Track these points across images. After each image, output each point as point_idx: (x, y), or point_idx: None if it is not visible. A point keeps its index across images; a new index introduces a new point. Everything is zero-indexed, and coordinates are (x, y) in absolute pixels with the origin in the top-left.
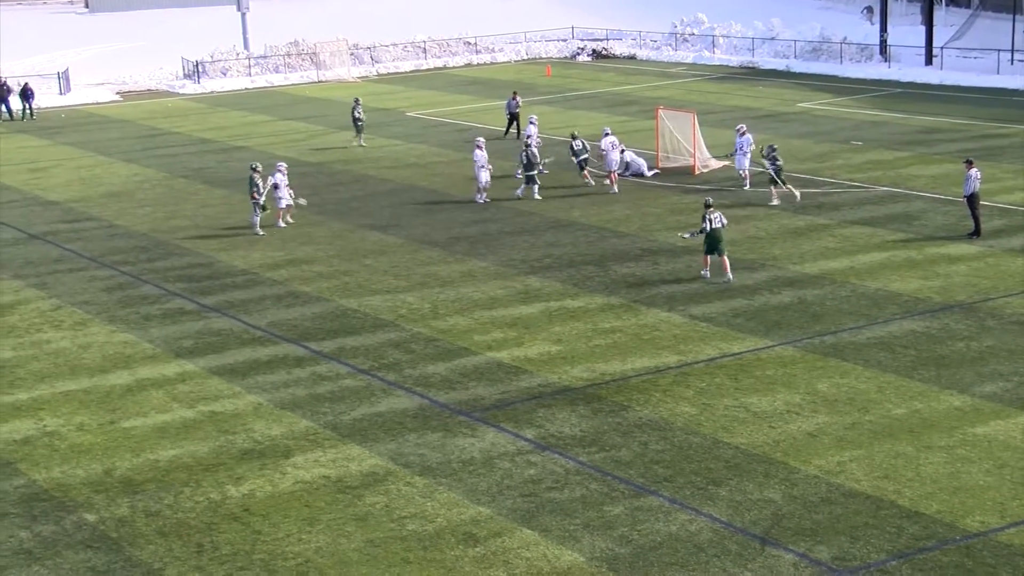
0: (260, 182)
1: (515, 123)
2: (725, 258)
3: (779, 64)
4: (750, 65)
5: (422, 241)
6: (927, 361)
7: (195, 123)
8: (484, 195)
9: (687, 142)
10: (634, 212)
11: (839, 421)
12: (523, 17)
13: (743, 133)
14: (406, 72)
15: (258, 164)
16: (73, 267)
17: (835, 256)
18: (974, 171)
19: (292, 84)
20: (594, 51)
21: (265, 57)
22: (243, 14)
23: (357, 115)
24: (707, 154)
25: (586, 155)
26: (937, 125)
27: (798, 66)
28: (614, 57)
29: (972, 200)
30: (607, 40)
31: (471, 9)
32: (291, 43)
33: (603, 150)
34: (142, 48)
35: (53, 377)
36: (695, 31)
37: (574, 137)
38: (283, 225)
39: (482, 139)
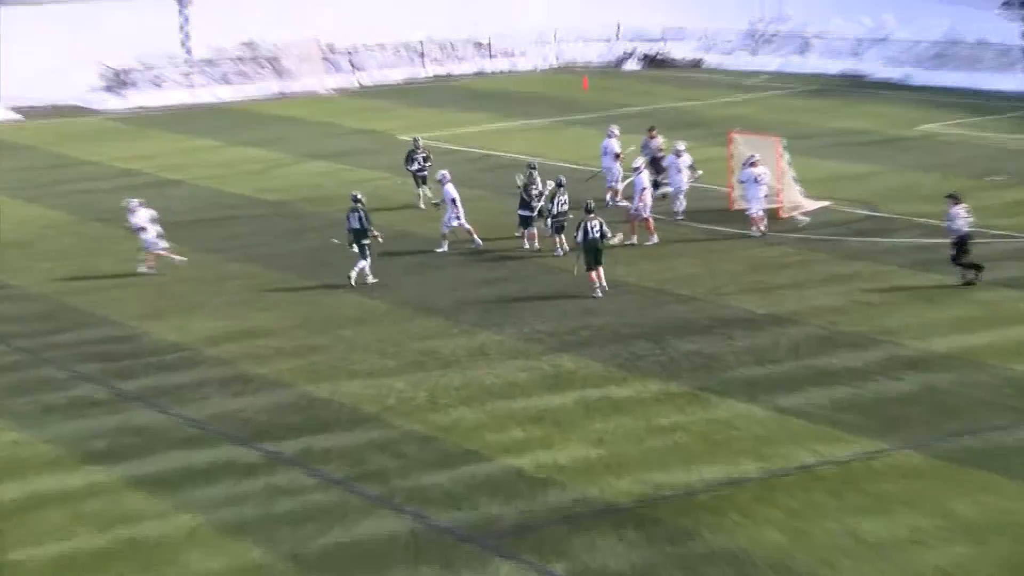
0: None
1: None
2: (600, 270)
3: (893, 73)
4: (854, 74)
5: (417, 306)
6: None
7: (117, 150)
8: (445, 243)
9: (771, 176)
10: (701, 269)
11: (984, 554)
12: (552, 11)
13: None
14: (398, 83)
15: (360, 194)
16: None
17: (974, 328)
18: None
19: (246, 99)
20: (646, 56)
21: (211, 63)
22: (183, 7)
23: (419, 161)
24: (797, 193)
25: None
26: None
27: (919, 75)
28: (673, 64)
29: None
30: (663, 41)
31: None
32: (246, 44)
33: (664, 165)
34: (48, 51)
35: None
36: (780, 29)
37: (532, 168)
38: (147, 271)
39: (445, 172)
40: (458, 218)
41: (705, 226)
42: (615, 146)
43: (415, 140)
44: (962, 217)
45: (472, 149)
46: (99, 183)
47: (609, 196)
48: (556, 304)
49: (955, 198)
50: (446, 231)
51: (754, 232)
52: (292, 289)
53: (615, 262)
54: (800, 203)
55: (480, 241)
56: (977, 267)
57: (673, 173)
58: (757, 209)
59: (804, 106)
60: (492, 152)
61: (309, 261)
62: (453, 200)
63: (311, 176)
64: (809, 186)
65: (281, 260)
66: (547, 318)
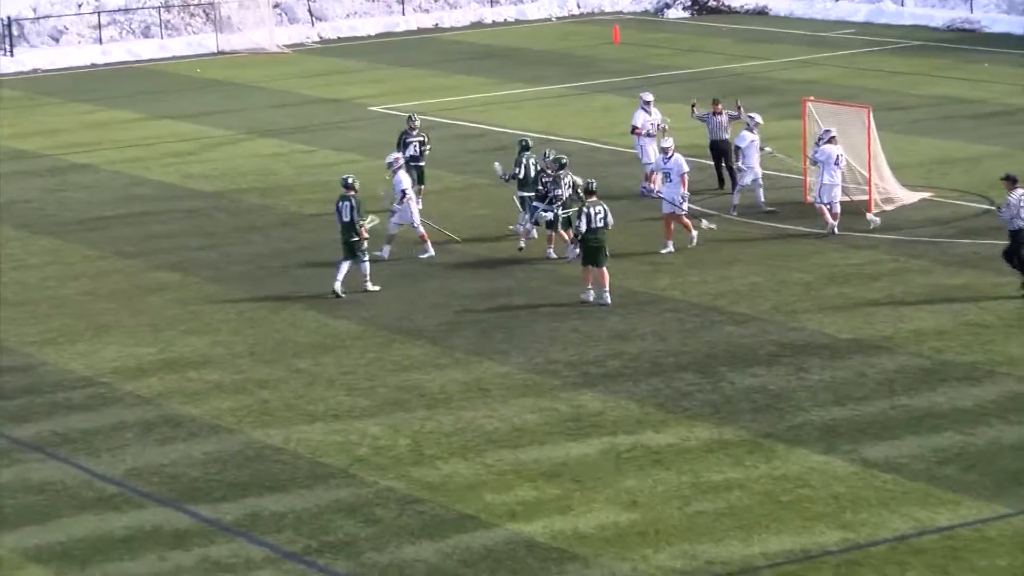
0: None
1: (723, 159)
2: (605, 270)
3: (1017, 26)
4: (965, 26)
5: (396, 328)
6: None
7: (5, 125)
8: (387, 249)
9: (858, 159)
10: (765, 279)
11: None
12: None
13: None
14: (369, 37)
15: (353, 179)
16: None
17: None
18: None
19: (173, 57)
20: (695, 1)
21: (128, 11)
22: None
23: (415, 147)
24: (892, 181)
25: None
26: None
27: None
28: (729, 11)
29: None
30: None
31: None
32: None
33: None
34: None
35: None
36: None
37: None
38: (426, 255)
39: (398, 156)
40: (410, 217)
41: (768, 223)
42: (651, 117)
43: (410, 119)
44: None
45: (466, 123)
46: None
47: (646, 184)
48: (576, 325)
49: (1012, 181)
50: (393, 231)
51: (828, 230)
52: (234, 304)
53: (655, 271)
54: (894, 193)
55: (432, 251)
56: None
57: (751, 154)
58: (830, 199)
59: (901, 67)
60: (492, 127)
61: (256, 269)
62: (403, 192)
63: (258, 159)
64: (906, 172)
65: (219, 268)
66: (565, 343)
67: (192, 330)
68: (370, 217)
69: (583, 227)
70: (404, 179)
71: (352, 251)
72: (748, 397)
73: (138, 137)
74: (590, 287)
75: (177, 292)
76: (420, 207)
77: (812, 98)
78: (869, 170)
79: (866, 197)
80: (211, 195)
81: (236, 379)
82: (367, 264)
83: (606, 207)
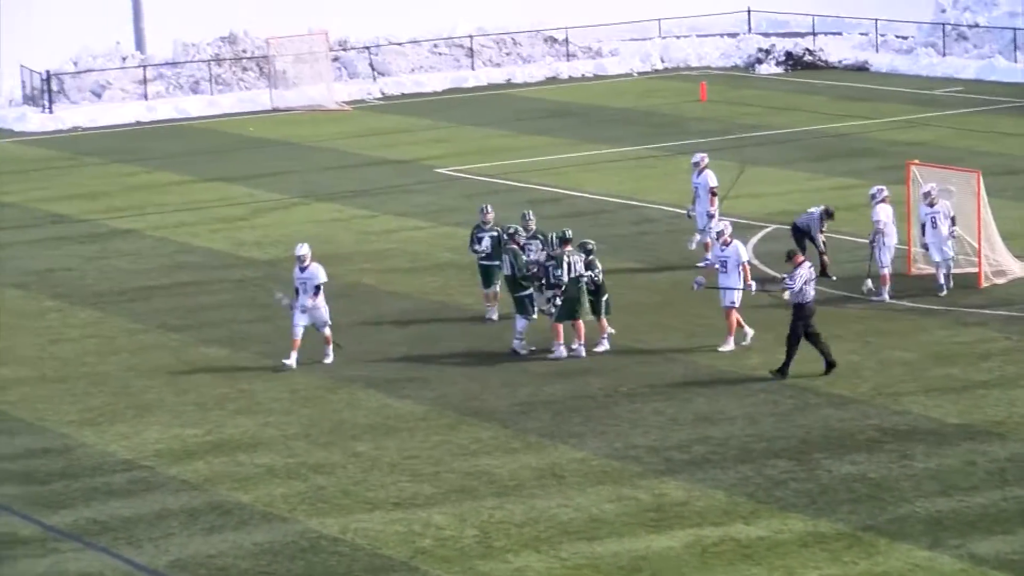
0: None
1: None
2: (581, 323)
3: None
4: None
5: (463, 408)
6: None
7: (42, 186)
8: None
9: (967, 228)
10: (866, 357)
11: None
12: None
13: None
14: (435, 93)
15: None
16: None
17: None
18: None
19: (224, 115)
20: (790, 55)
21: (175, 65)
22: None
23: (487, 241)
24: (1004, 252)
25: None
26: None
27: None
28: (827, 66)
29: None
30: (814, 35)
31: None
32: (222, 39)
33: (879, 225)
34: None
35: None
36: (981, 20)
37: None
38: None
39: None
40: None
41: (869, 297)
42: (711, 179)
43: (483, 210)
44: None
45: (540, 186)
46: (17, 234)
47: (698, 244)
48: (658, 407)
49: (791, 255)
50: (298, 335)
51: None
52: (287, 382)
53: (744, 349)
54: (1006, 265)
55: (332, 357)
56: None
57: (930, 228)
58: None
59: (1013, 128)
60: (568, 191)
61: (313, 344)
62: (318, 287)
63: (315, 225)
64: (1019, 242)
65: (271, 343)
66: (646, 427)
67: (242, 410)
68: (279, 295)
69: (564, 276)
70: (321, 272)
71: (522, 305)
72: (847, 486)
73: (185, 201)
74: (561, 343)
75: (225, 369)
76: (495, 315)
77: (917, 161)
78: (979, 240)
79: (976, 269)
80: (263, 264)
81: (289, 463)
82: (523, 322)
83: (584, 258)
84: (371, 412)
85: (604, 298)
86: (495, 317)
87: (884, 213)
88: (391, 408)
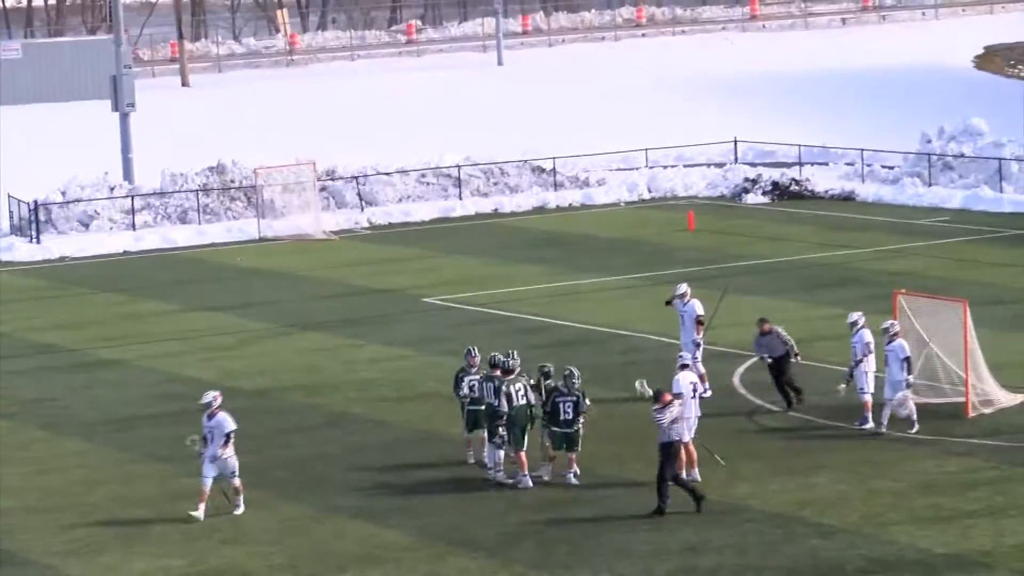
0: None
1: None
2: (522, 455)
3: None
4: None
5: (450, 539)
6: None
7: (28, 316)
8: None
9: (953, 358)
10: (852, 487)
11: None
12: (641, 124)
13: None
14: (423, 222)
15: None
16: None
17: None
18: None
19: (211, 244)
20: (776, 185)
21: (163, 195)
22: (124, 115)
23: (471, 387)
24: (991, 382)
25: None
26: None
27: None
28: (813, 196)
29: None
30: (800, 165)
31: (544, 111)
32: (211, 168)
33: (858, 352)
34: None
35: None
36: (967, 150)
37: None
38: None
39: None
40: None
41: (854, 426)
42: (697, 307)
43: (469, 353)
44: None
45: (527, 316)
46: (5, 364)
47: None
48: (646, 537)
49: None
50: (208, 485)
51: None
52: (273, 512)
53: (732, 477)
54: (993, 395)
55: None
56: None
57: (885, 364)
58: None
59: (1000, 258)
60: (555, 321)
61: (298, 475)
62: (228, 435)
63: (303, 354)
64: (1006, 372)
65: (259, 473)
66: (634, 556)
67: (228, 540)
68: (192, 438)
69: (505, 407)
70: (229, 421)
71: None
72: None
73: (173, 330)
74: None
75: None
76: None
77: (904, 291)
78: (967, 370)
79: (963, 399)
80: (251, 393)
81: None
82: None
83: (527, 384)
84: (357, 542)
85: (575, 430)
86: (472, 461)
87: (866, 338)
88: (378, 538)
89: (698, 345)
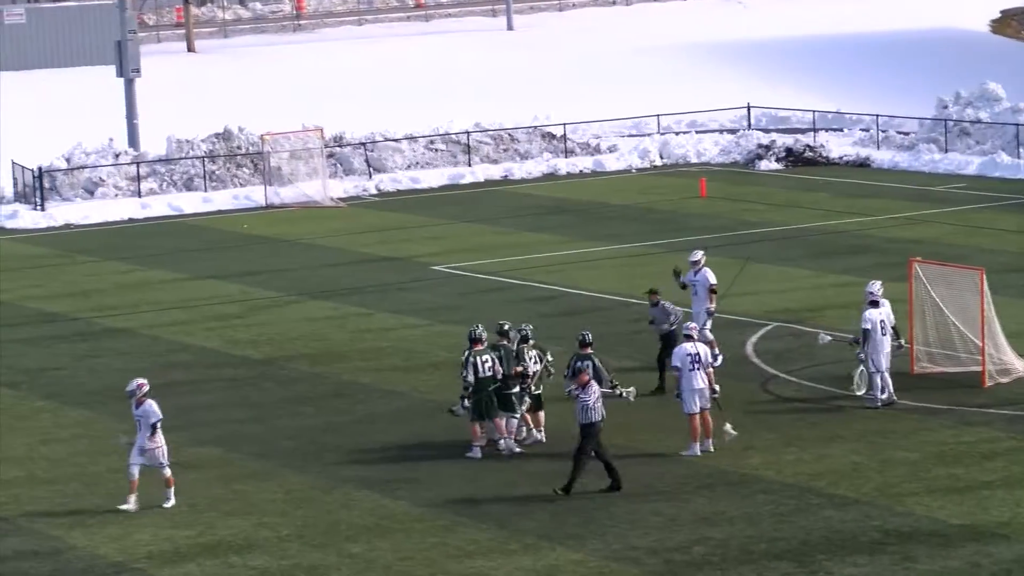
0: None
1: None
2: (498, 420)
3: None
4: None
5: (459, 510)
6: None
7: (33, 284)
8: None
9: (970, 326)
10: (867, 458)
11: None
12: (654, 91)
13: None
14: (432, 189)
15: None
16: None
17: None
18: None
19: (218, 212)
20: (790, 151)
21: (169, 162)
22: (129, 81)
23: (481, 366)
24: (1008, 350)
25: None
26: None
27: None
28: (827, 162)
29: None
30: (814, 131)
31: (554, 77)
32: (217, 135)
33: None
34: None
35: None
36: (983, 116)
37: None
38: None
39: (141, 382)
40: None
41: (866, 403)
42: (710, 276)
43: (473, 332)
44: None
45: (537, 284)
46: (9, 333)
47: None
48: (658, 507)
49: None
50: (135, 475)
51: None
52: (281, 483)
53: (745, 448)
54: (1010, 364)
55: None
56: None
57: (876, 337)
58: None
59: (1017, 225)
60: (566, 289)
61: (306, 444)
62: (154, 425)
63: (309, 323)
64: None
65: (266, 443)
66: (645, 528)
67: (235, 511)
68: (124, 439)
69: (470, 377)
70: (155, 409)
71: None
72: None
73: (178, 299)
74: (479, 443)
75: (219, 469)
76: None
77: (919, 258)
78: (983, 338)
79: (979, 368)
80: (258, 362)
81: (283, 565)
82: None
83: (494, 356)
84: (366, 513)
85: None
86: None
87: (877, 313)
88: (386, 508)
89: (710, 314)
